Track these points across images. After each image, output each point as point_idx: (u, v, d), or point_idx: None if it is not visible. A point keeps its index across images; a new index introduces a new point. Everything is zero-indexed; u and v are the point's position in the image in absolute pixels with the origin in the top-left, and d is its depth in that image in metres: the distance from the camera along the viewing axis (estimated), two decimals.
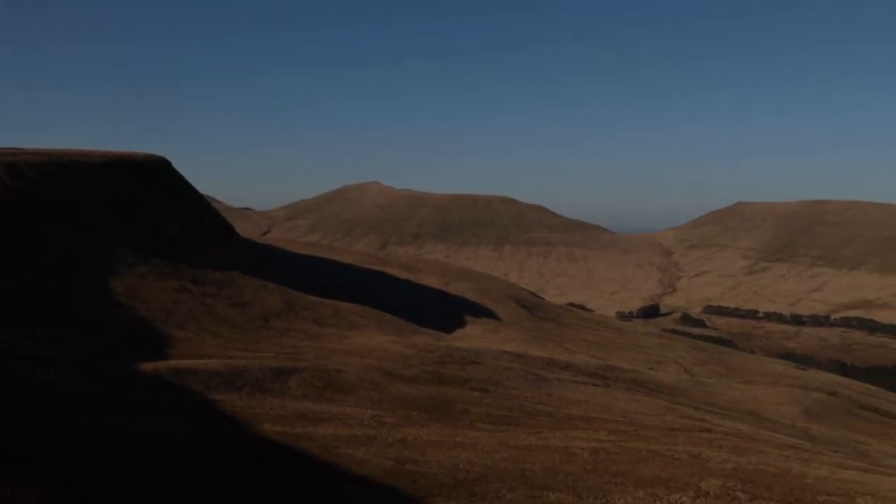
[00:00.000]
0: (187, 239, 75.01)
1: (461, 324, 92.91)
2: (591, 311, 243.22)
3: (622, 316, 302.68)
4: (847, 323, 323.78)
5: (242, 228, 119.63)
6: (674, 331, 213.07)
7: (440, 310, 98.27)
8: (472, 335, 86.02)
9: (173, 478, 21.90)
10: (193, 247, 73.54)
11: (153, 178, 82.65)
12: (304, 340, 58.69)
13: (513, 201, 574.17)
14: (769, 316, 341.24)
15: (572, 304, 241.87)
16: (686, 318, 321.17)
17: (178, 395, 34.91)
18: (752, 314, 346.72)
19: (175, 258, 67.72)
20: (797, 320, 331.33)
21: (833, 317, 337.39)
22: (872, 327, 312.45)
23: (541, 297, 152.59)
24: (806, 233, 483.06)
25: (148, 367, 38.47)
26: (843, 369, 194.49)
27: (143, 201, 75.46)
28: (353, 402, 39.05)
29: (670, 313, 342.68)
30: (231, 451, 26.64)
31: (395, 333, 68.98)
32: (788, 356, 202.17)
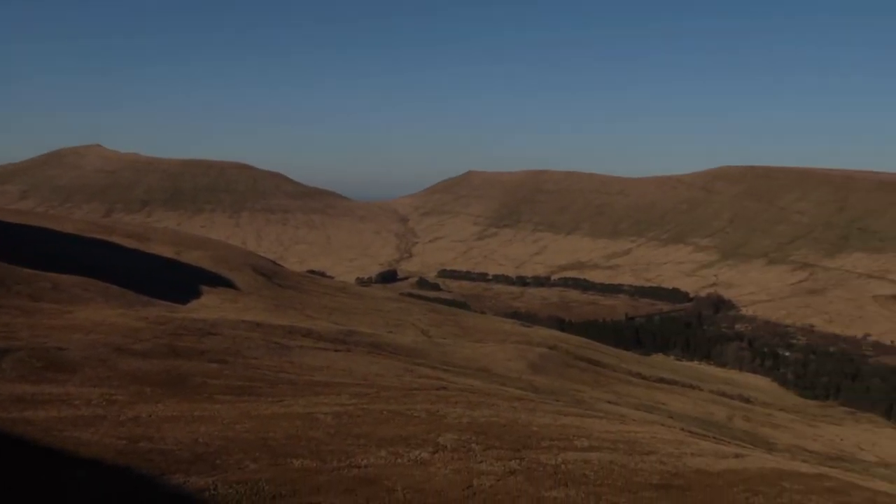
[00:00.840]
0: None
1: (196, 294, 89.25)
2: (331, 277, 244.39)
3: (362, 282, 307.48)
4: (564, 283, 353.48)
5: None
6: (411, 294, 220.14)
7: (173, 280, 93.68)
8: (209, 305, 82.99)
9: None
10: None
11: None
12: (18, 317, 53.25)
13: (249, 168, 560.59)
14: (497, 278, 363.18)
15: (312, 272, 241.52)
16: (422, 283, 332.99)
17: None
18: (482, 277, 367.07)
19: None
20: (522, 281, 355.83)
21: (553, 277, 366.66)
22: (585, 286, 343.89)
23: (280, 265, 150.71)
24: (529, 200, 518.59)
25: None
26: (562, 325, 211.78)
27: None
28: (79, 381, 36.11)
29: (407, 278, 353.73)
30: None
31: (124, 306, 64.79)
32: (515, 315, 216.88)
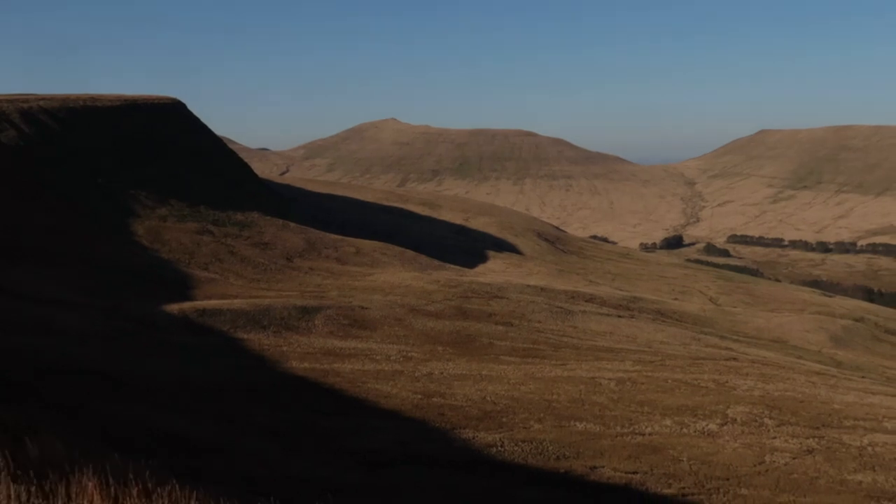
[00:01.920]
0: (206, 181, 74.89)
1: (483, 259, 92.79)
2: (613, 243, 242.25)
3: (645, 247, 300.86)
4: (874, 249, 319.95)
5: (260, 169, 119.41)
6: (698, 261, 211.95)
7: (462, 245, 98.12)
8: (495, 270, 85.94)
9: (196, 413, 22.09)
10: (212, 189, 73.46)
11: (168, 120, 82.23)
12: (327, 279, 58.86)
13: (532, 135, 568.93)
14: (794, 244, 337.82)
15: (595, 237, 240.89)
16: (710, 248, 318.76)
17: (205, 335, 35.18)
18: (777, 243, 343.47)
19: (195, 200, 67.71)
20: (823, 248, 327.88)
21: (859, 243, 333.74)
22: None
23: (563, 231, 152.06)
24: (831, 159, 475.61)
25: (173, 307, 38.74)
26: (870, 296, 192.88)
27: (159, 144, 75.22)
28: (379, 338, 39.23)
29: (694, 244, 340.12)
30: (259, 387, 26.84)
31: (418, 270, 69.03)
32: (814, 284, 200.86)
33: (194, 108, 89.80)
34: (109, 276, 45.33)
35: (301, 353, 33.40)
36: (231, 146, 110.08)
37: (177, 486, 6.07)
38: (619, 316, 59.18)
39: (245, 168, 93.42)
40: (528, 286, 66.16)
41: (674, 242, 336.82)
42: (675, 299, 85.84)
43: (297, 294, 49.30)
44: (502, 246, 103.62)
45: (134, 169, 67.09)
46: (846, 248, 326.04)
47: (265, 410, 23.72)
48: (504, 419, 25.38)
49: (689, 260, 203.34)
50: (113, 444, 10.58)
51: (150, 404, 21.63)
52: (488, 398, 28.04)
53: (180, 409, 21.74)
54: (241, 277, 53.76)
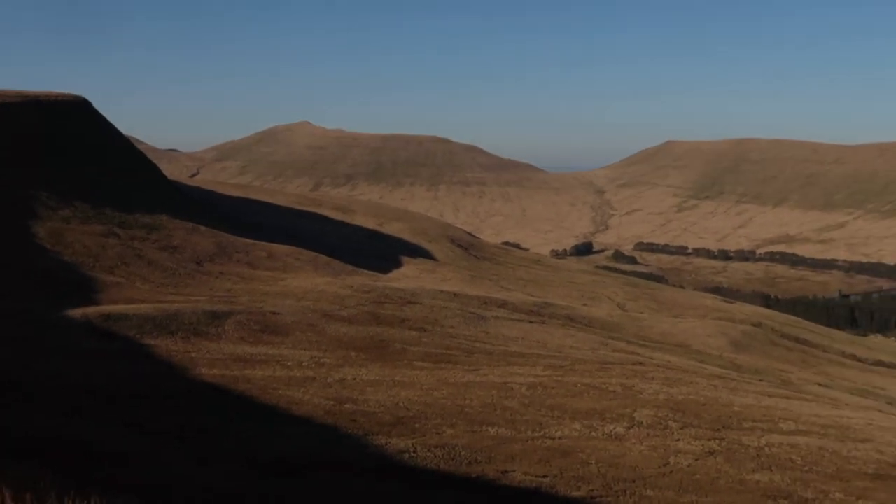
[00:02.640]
0: (112, 182, 72.62)
1: (397, 264, 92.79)
2: (525, 249, 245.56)
3: (556, 254, 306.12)
4: (771, 257, 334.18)
5: (169, 171, 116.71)
6: (606, 268, 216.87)
7: (375, 251, 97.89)
8: (409, 275, 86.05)
9: (102, 421, 21.49)
10: (119, 190, 71.29)
11: (73, 119, 79.41)
12: (238, 283, 57.85)
13: (445, 141, 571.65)
14: (698, 252, 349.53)
15: (507, 244, 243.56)
16: (618, 256, 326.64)
17: (109, 340, 34.15)
18: (681, 250, 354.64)
19: (100, 201, 65.56)
20: (724, 255, 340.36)
21: (758, 251, 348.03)
22: (794, 261, 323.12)
23: (476, 237, 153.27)
24: (732, 171, 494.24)
25: (76, 312, 37.47)
26: (767, 301, 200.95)
27: (62, 143, 72.59)
28: (291, 344, 38.80)
29: (603, 251, 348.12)
30: (166, 394, 26.24)
31: (331, 275, 68.55)
32: (716, 290, 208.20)
33: (100, 106, 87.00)
34: (7, 278, 43.51)
35: (211, 360, 32.79)
36: (139, 146, 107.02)
37: (91, 497, 5.96)
38: (531, 321, 60.10)
39: (153, 169, 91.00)
40: (442, 292, 66.53)
41: (584, 249, 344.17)
42: (585, 305, 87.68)
43: (206, 299, 48.31)
44: (416, 251, 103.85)
45: (35, 168, 64.51)
46: (745, 255, 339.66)
47: (174, 418, 23.23)
48: (417, 425, 25.50)
49: (598, 266, 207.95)
50: (18, 453, 10.20)
51: (55, 412, 20.92)
52: (401, 404, 28.11)
53: (87, 417, 21.09)
54: (148, 282, 52.34)
